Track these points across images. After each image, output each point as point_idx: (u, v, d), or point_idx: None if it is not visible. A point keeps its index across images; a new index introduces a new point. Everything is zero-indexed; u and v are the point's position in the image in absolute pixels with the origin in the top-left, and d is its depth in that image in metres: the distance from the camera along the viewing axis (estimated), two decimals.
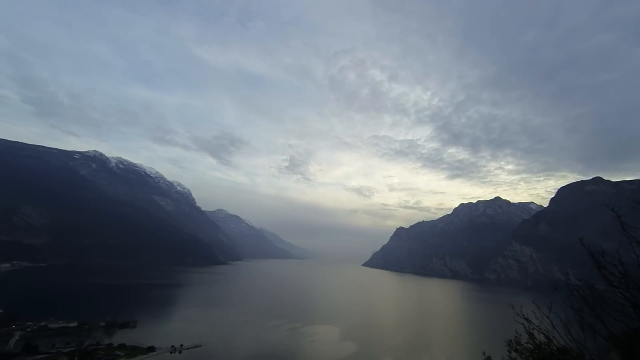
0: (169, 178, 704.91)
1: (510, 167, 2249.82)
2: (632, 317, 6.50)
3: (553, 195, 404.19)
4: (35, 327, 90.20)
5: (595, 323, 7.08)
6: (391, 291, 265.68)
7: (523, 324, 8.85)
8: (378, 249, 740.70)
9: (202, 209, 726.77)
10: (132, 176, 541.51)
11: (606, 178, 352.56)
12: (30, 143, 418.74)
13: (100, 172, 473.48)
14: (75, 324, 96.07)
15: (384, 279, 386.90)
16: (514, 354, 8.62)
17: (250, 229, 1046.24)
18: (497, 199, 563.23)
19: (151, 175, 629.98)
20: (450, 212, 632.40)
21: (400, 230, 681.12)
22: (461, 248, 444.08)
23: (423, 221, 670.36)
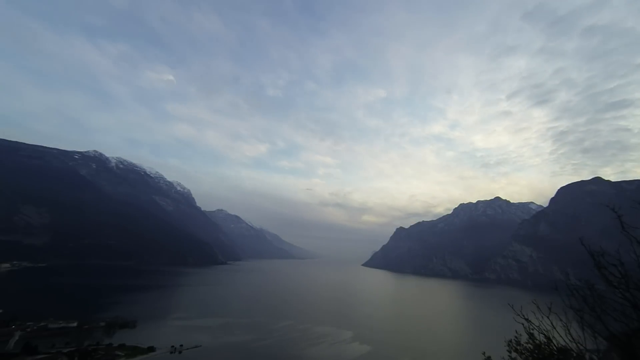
0: (169, 178, 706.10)
1: None
2: (632, 317, 6.49)
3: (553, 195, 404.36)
4: (35, 327, 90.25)
5: (595, 323, 7.06)
6: (393, 292, 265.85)
7: (523, 324, 8.84)
8: (378, 248, 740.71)
9: (202, 209, 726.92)
10: (132, 176, 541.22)
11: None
12: (30, 143, 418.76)
13: (100, 172, 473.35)
14: (75, 324, 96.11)
15: (385, 279, 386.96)
16: (514, 354, 8.61)
17: (250, 229, 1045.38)
18: (497, 199, 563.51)
19: (151, 175, 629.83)
20: (450, 212, 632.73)
21: (400, 230, 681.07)
22: (461, 248, 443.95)
23: (423, 221, 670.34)
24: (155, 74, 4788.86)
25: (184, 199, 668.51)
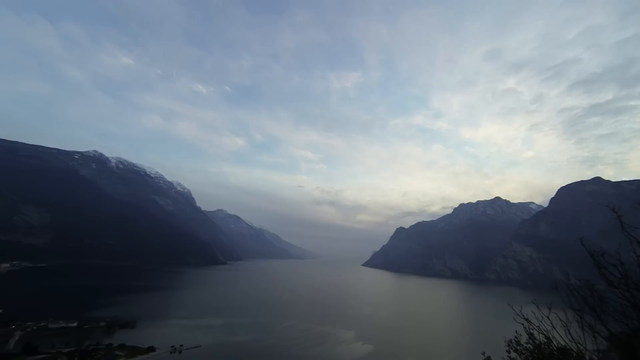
0: (169, 178, 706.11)
1: None
2: (632, 317, 6.48)
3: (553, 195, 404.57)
4: (35, 327, 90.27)
5: (595, 323, 7.06)
6: (393, 292, 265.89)
7: (523, 324, 8.84)
8: (377, 248, 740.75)
9: (202, 209, 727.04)
10: (132, 176, 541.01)
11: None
12: (30, 143, 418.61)
13: (100, 172, 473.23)
14: (75, 324, 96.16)
15: (385, 279, 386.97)
16: (514, 354, 8.60)
17: (250, 229, 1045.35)
18: (497, 199, 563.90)
19: (151, 175, 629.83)
20: (450, 212, 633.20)
21: (400, 230, 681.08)
22: (461, 248, 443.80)
23: (423, 221, 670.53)
24: (110, 58, 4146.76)
25: (184, 199, 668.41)
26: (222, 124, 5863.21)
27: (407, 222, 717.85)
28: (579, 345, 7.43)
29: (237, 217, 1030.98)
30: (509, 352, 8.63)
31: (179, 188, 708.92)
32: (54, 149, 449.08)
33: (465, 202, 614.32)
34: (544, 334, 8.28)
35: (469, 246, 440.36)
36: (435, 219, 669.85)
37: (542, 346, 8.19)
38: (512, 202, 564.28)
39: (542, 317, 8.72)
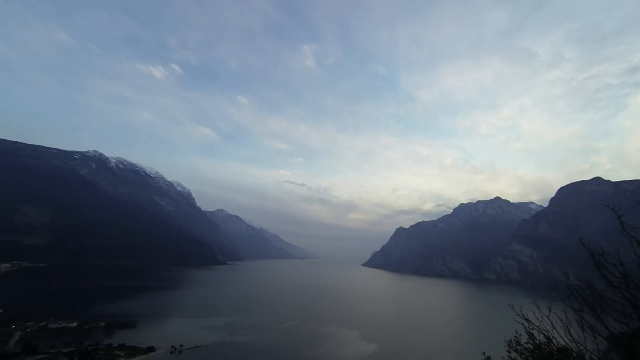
0: (169, 178, 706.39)
1: None
2: (632, 317, 6.48)
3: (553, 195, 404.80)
4: (35, 327, 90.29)
5: (595, 323, 7.06)
6: (394, 292, 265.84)
7: (523, 324, 8.83)
8: (377, 248, 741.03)
9: (202, 209, 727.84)
10: (132, 176, 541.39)
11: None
12: (30, 143, 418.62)
13: (100, 172, 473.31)
14: (75, 324, 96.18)
15: (386, 279, 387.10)
16: (514, 354, 8.60)
17: (250, 229, 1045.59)
18: (497, 199, 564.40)
19: (151, 175, 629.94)
20: (450, 212, 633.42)
21: (400, 230, 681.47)
22: (461, 248, 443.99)
23: (423, 221, 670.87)
24: (37, 32, 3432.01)
25: (184, 199, 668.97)
26: (183, 112, 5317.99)
27: (402, 221, 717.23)
28: (579, 345, 7.43)
29: (237, 217, 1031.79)
30: (509, 352, 8.62)
31: (179, 188, 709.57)
32: (54, 149, 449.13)
33: (465, 202, 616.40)
34: (544, 334, 8.28)
35: (469, 246, 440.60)
36: (430, 217, 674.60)
37: (542, 346, 8.19)
38: (512, 202, 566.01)
39: (542, 317, 8.71)
